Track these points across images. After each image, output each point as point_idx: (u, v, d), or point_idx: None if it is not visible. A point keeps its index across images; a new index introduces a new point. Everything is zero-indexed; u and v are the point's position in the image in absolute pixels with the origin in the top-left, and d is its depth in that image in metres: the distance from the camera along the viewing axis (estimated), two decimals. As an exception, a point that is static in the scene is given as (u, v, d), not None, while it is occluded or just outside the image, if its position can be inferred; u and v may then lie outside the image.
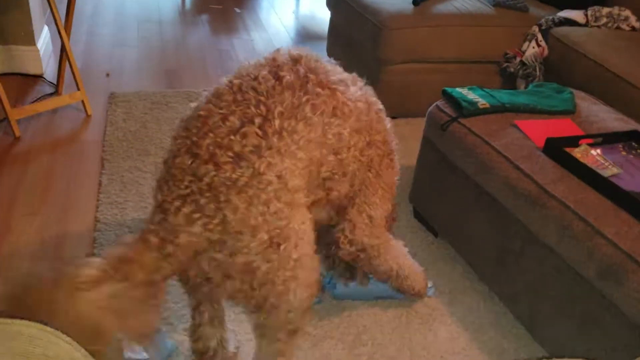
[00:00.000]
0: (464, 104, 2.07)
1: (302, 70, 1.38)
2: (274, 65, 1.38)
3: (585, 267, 1.59)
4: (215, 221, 1.21)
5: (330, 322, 1.88)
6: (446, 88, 2.19)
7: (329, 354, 1.77)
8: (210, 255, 1.24)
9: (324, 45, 3.71)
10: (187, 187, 1.23)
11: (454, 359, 1.81)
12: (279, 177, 1.25)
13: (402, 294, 1.94)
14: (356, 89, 1.52)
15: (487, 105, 2.08)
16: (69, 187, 2.37)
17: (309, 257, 1.35)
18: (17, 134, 2.64)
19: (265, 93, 1.30)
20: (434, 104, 2.19)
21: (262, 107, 1.28)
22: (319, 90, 1.37)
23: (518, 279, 1.85)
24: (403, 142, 2.83)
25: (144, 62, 3.54)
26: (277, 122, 1.28)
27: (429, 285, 2.00)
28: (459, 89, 2.18)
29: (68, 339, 0.80)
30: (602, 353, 1.57)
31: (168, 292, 1.89)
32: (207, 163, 1.22)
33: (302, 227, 1.31)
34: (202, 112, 1.30)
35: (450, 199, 2.14)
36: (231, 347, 1.69)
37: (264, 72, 1.35)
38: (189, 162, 1.24)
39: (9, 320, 0.72)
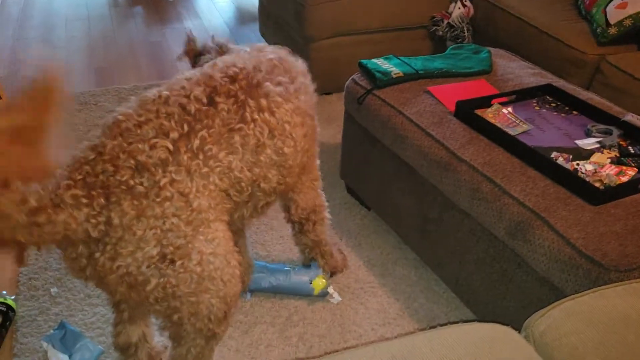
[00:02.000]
0: (377, 75, 2.06)
1: (240, 96, 1.35)
2: (210, 86, 1.35)
3: (496, 227, 1.60)
4: (101, 218, 1.18)
5: (261, 307, 1.88)
6: (362, 60, 2.17)
7: (260, 339, 1.77)
8: (89, 251, 1.21)
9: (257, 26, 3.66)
10: (81, 175, 1.19)
11: (385, 330, 1.83)
12: (181, 194, 1.22)
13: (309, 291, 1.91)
14: (297, 85, 1.52)
15: (401, 74, 2.07)
16: (-7, 200, 2.32)
17: (222, 270, 1.31)
18: (-60, 150, 2.57)
19: (193, 114, 1.28)
20: (350, 77, 2.17)
21: (185, 126, 1.26)
22: (255, 116, 1.36)
23: (440, 245, 1.86)
24: (336, 119, 2.84)
25: (73, 62, 3.46)
26: (196, 143, 1.26)
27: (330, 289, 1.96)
28: (374, 60, 2.17)
29: None
30: (520, 309, 1.59)
31: (98, 296, 1.88)
32: (107, 163, 1.19)
33: (211, 243, 1.28)
34: (120, 117, 1.27)
35: (375, 172, 2.13)
36: (156, 342, 1.68)
37: (198, 92, 1.32)
38: (91, 158, 1.21)
39: None
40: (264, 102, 1.39)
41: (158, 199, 1.19)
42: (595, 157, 1.69)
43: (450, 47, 2.37)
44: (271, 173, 1.41)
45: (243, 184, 1.35)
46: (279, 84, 1.47)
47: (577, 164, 1.65)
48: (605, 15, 2.51)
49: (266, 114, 1.38)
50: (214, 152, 1.28)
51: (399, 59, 2.16)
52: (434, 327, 1.64)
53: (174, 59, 3.50)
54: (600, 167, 1.63)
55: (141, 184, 1.19)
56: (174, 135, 1.24)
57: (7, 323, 1.76)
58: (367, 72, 2.11)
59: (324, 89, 3.07)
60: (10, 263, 2.01)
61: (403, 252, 2.11)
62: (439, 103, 1.94)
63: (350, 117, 2.18)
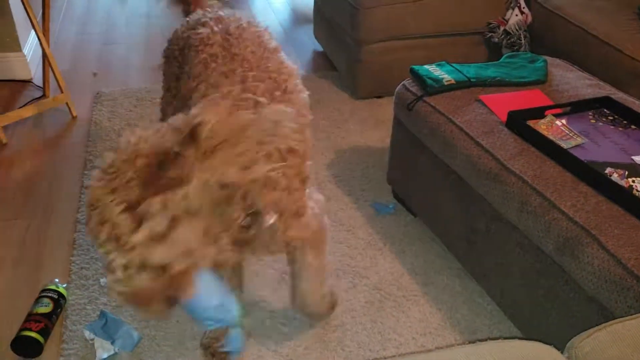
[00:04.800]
0: (428, 81, 2.04)
1: None
2: None
3: (544, 242, 1.56)
4: None
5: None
6: (413, 66, 2.16)
7: (298, 342, 1.78)
8: None
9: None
10: None
11: (425, 340, 1.81)
12: None
13: None
14: None
15: (453, 82, 2.04)
16: (50, 190, 2.41)
17: None
18: (4, 140, 2.70)
19: None
20: (401, 83, 2.16)
21: None
22: None
23: (486, 257, 1.82)
24: (385, 122, 2.82)
25: (132, 59, 3.57)
26: None
27: None
28: (426, 66, 2.15)
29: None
30: (565, 327, 1.55)
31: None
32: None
33: None
34: None
35: (423, 179, 2.12)
36: None
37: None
38: None
39: None
40: None
41: None
42: (653, 175, 1.63)
43: (505, 55, 2.33)
44: None
45: None
46: None
47: (633, 181, 1.59)
48: (672, 26, 2.41)
49: None
50: None
51: (452, 65, 2.14)
52: (473, 342, 1.61)
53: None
54: (658, 185, 1.57)
55: None
56: None
57: (58, 310, 1.83)
58: (418, 78, 2.09)
59: (375, 92, 3.07)
60: (63, 252, 2.09)
61: (447, 262, 2.08)
62: (491, 112, 1.91)
63: (400, 122, 2.17)
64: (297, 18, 4.27)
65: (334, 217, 2.28)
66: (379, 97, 3.07)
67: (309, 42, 3.73)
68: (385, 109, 2.95)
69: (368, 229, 2.24)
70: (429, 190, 2.08)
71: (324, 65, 3.48)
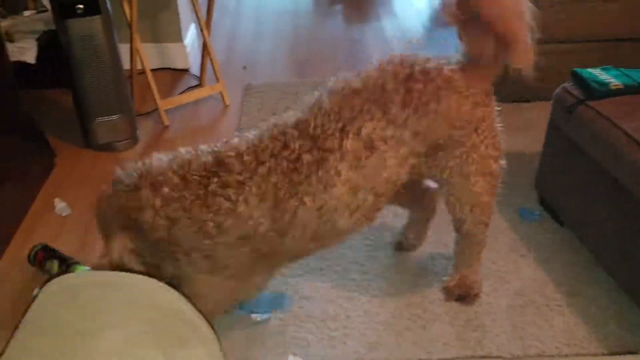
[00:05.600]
0: (593, 85, 1.95)
1: None
2: None
3: None
4: None
5: (440, 306, 1.89)
6: (576, 69, 2.07)
7: (438, 337, 1.78)
8: None
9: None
10: None
11: (570, 350, 1.73)
12: None
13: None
14: None
15: (621, 86, 1.94)
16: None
17: None
18: (166, 122, 2.94)
19: None
20: (561, 85, 2.08)
21: None
22: None
23: (646, 272, 1.72)
24: (533, 128, 2.74)
25: (278, 54, 3.74)
26: None
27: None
28: (590, 70, 2.06)
29: (173, 291, 0.91)
30: None
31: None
32: None
33: None
34: None
35: (577, 187, 2.03)
36: None
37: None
38: None
39: (123, 274, 0.85)
40: None
41: None
42: None
43: (679, 61, 2.17)
44: None
45: None
46: None
47: None
48: None
49: None
50: None
51: (619, 70, 2.03)
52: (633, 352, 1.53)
53: (369, 57, 3.60)
54: None
55: None
56: None
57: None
58: (581, 81, 2.00)
59: (523, 96, 2.98)
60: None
61: (595, 273, 1.98)
62: (663, 120, 1.79)
63: (556, 126, 2.09)
64: (439, 18, 4.24)
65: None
66: (527, 101, 2.98)
67: (453, 42, 3.68)
68: (533, 113, 2.86)
69: (511, 235, 2.18)
70: (583, 198, 1.99)
71: (467, 67, 3.42)
